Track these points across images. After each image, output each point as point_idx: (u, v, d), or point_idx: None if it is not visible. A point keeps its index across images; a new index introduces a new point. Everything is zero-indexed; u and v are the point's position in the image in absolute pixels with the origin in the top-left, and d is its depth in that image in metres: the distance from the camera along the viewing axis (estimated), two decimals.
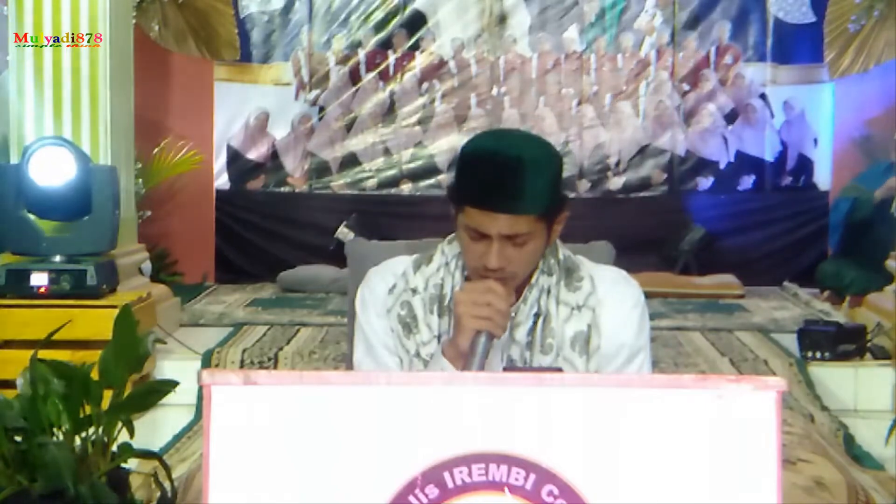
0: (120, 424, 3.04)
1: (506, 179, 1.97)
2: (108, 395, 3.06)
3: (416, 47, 8.26)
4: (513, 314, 2.09)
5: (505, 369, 2.09)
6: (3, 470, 2.88)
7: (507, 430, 1.26)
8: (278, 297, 7.22)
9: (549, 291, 2.11)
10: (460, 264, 2.14)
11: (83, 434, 3.01)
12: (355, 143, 8.27)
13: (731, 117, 8.21)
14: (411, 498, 1.25)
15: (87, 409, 3.01)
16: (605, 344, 2.11)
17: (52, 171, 4.90)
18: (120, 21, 5.58)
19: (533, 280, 2.11)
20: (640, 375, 2.04)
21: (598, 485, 1.25)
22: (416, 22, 8.25)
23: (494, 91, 8.19)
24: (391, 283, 2.17)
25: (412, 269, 2.18)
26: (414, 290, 2.15)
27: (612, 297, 2.14)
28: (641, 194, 8.21)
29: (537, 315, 2.10)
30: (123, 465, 3.09)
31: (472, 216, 2.00)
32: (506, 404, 1.27)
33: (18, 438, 2.94)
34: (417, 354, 2.12)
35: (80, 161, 4.94)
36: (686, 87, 8.21)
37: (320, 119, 8.29)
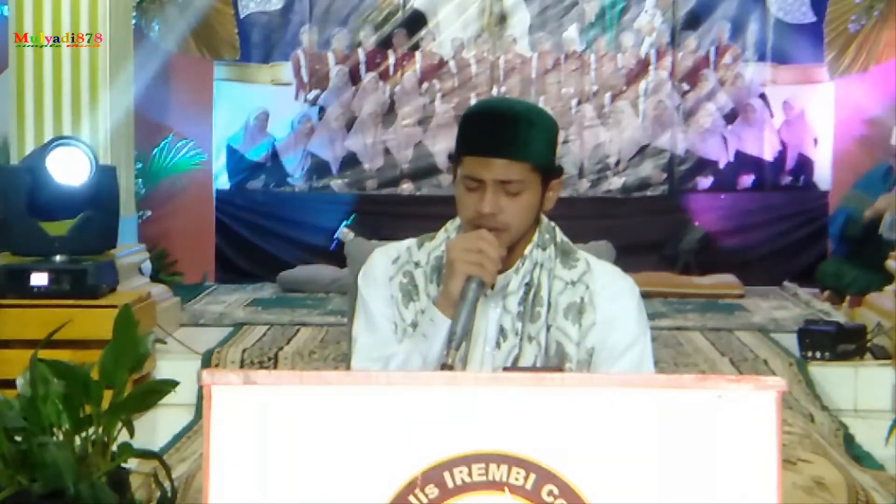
0: (120, 424, 3.04)
1: (501, 127, 2.08)
2: (108, 395, 3.06)
3: (416, 47, 8.25)
4: (505, 283, 2.13)
5: (505, 369, 2.10)
6: (3, 470, 2.87)
7: (507, 430, 1.26)
8: (278, 297, 7.22)
9: (542, 265, 2.16)
10: (460, 234, 2.18)
11: (83, 434, 3.01)
12: (355, 143, 8.27)
13: (730, 117, 8.20)
14: (411, 498, 1.25)
15: (87, 409, 3.01)
16: (601, 325, 2.14)
17: (67, 171, 4.91)
18: (120, 21, 5.58)
19: (526, 252, 2.15)
20: (640, 375, 2.04)
21: (598, 485, 1.25)
22: (416, 22, 8.25)
23: (494, 91, 8.18)
24: (394, 255, 2.24)
25: (416, 245, 2.24)
26: (417, 264, 2.21)
27: (607, 285, 2.18)
28: (641, 194, 8.21)
29: (528, 285, 2.15)
30: (123, 465, 3.09)
31: (468, 164, 2.08)
32: (506, 404, 1.27)
33: (18, 438, 2.93)
34: (414, 323, 2.15)
35: (93, 161, 4.95)
36: (686, 87, 8.20)
37: (320, 119, 8.28)
